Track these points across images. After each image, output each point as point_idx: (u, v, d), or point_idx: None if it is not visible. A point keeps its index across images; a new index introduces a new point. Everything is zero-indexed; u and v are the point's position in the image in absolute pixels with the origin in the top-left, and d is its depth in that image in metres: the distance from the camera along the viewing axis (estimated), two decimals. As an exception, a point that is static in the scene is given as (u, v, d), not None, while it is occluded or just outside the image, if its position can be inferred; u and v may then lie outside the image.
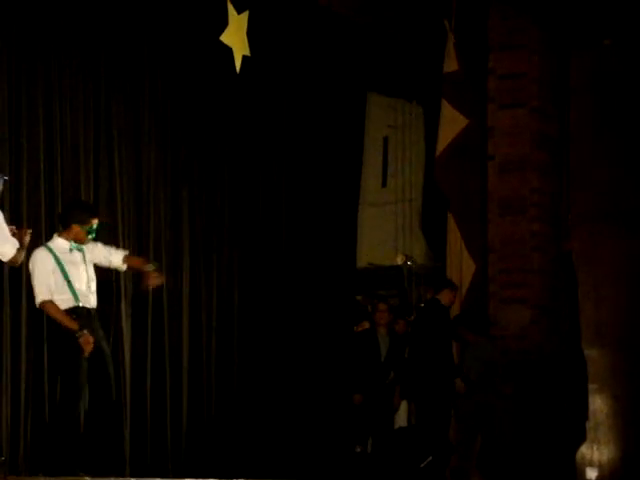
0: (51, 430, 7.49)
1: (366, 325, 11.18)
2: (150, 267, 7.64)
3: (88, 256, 7.51)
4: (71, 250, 7.41)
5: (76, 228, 7.41)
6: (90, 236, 7.45)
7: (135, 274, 8.29)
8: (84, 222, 7.42)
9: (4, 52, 7.96)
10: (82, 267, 7.43)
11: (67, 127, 8.45)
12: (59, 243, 7.45)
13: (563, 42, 11.01)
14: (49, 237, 7.75)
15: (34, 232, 7.88)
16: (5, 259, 6.72)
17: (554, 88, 11.02)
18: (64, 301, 7.31)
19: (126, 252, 7.77)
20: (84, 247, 7.48)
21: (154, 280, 7.66)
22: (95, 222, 7.46)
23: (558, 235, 11.14)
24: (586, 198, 11.25)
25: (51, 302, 7.29)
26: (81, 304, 7.35)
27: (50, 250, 7.40)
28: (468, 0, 11.06)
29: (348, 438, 10.77)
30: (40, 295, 7.31)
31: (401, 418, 10.99)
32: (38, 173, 8.21)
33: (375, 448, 10.57)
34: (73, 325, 7.24)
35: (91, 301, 7.45)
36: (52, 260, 7.33)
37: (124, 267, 7.71)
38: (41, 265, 7.31)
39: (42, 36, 8.26)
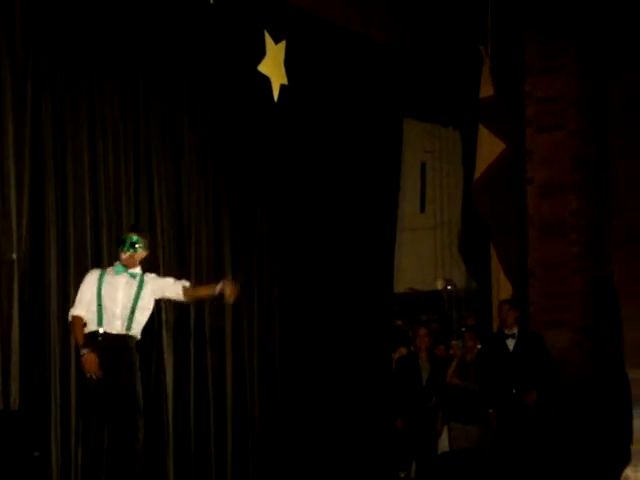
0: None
1: (403, 351, 11.17)
2: (219, 286, 7.38)
3: (148, 287, 7.44)
4: (117, 274, 7.42)
5: (119, 253, 7.50)
6: (123, 250, 7.40)
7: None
8: (118, 244, 7.53)
9: (48, 77, 8.02)
10: (123, 292, 7.36)
11: (109, 161, 8.52)
12: (114, 266, 7.53)
13: (601, 64, 10.99)
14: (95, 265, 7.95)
15: (81, 255, 8.06)
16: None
17: (592, 110, 11.00)
18: (89, 321, 7.30)
19: (187, 284, 7.57)
20: (142, 276, 7.45)
21: (229, 291, 7.36)
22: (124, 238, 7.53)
23: (598, 257, 11.09)
24: (626, 219, 11.20)
25: (77, 317, 7.31)
26: (102, 330, 7.27)
27: (101, 269, 7.59)
28: (504, 24, 11.09)
29: (392, 463, 10.77)
30: (72, 308, 7.40)
31: (444, 443, 10.95)
32: (84, 215, 8.27)
33: (419, 473, 10.56)
34: (80, 344, 7.22)
35: (118, 327, 7.31)
36: (96, 279, 7.41)
37: (183, 299, 7.57)
38: (85, 280, 7.44)
39: (85, 71, 8.33)
